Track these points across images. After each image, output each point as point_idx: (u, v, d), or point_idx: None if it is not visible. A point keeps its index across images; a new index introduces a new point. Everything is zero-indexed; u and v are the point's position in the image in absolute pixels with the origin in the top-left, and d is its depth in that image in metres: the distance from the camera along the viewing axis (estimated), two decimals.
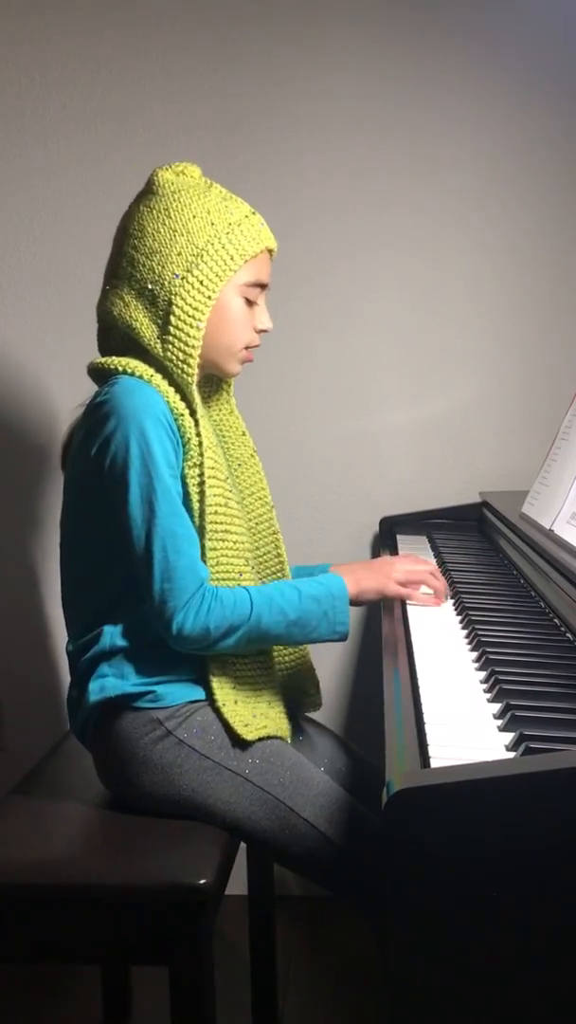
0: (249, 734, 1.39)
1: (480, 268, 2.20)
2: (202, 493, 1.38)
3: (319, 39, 2.14)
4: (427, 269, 2.20)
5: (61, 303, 2.19)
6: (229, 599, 1.34)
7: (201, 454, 1.39)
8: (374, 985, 1.95)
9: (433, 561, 1.74)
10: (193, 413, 1.40)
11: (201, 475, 1.39)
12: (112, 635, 1.40)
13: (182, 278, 1.38)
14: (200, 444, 1.39)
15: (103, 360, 1.41)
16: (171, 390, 1.39)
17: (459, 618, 1.47)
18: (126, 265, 1.42)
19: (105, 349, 1.47)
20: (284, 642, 1.44)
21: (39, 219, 2.17)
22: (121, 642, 1.40)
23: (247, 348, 1.47)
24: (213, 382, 1.56)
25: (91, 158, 2.16)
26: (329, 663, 2.24)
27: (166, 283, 1.38)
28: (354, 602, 1.45)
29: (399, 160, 2.17)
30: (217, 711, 1.40)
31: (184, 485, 1.38)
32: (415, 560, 1.58)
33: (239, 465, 1.56)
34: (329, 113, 2.16)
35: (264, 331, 1.48)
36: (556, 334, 2.20)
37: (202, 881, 1.27)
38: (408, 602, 1.52)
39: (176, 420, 1.38)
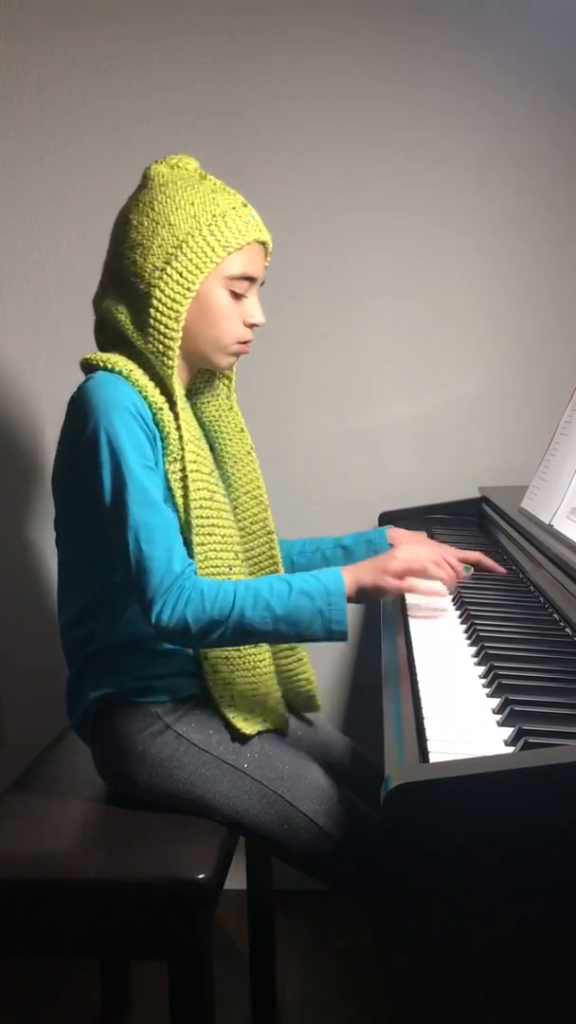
0: (248, 728, 1.40)
1: (479, 263, 2.19)
2: (185, 488, 1.38)
3: (320, 34, 2.13)
4: (426, 264, 2.19)
5: (59, 295, 2.18)
6: (211, 592, 1.30)
7: (182, 448, 1.38)
8: (372, 979, 1.95)
9: (482, 555, 1.65)
10: (173, 407, 1.39)
11: (183, 469, 1.38)
12: (108, 629, 1.41)
13: (161, 270, 1.37)
14: (180, 439, 1.38)
15: (89, 356, 1.41)
16: (151, 384, 1.38)
17: (458, 613, 1.47)
18: (114, 260, 1.43)
19: (99, 342, 1.48)
20: (276, 639, 1.36)
21: (35, 211, 2.17)
22: (118, 636, 1.40)
23: (239, 343, 1.45)
24: (207, 376, 1.55)
25: (88, 150, 2.15)
26: (328, 659, 2.24)
27: (146, 275, 1.38)
28: (354, 599, 1.36)
29: (398, 156, 2.16)
30: (216, 706, 1.40)
31: (165, 480, 1.38)
32: (419, 547, 1.49)
33: (235, 462, 1.55)
34: (328, 108, 2.15)
35: (254, 325, 1.45)
36: (555, 329, 2.20)
37: (201, 876, 1.27)
38: (408, 597, 1.48)
39: (155, 415, 1.38)
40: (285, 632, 1.32)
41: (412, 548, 1.45)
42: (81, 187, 2.16)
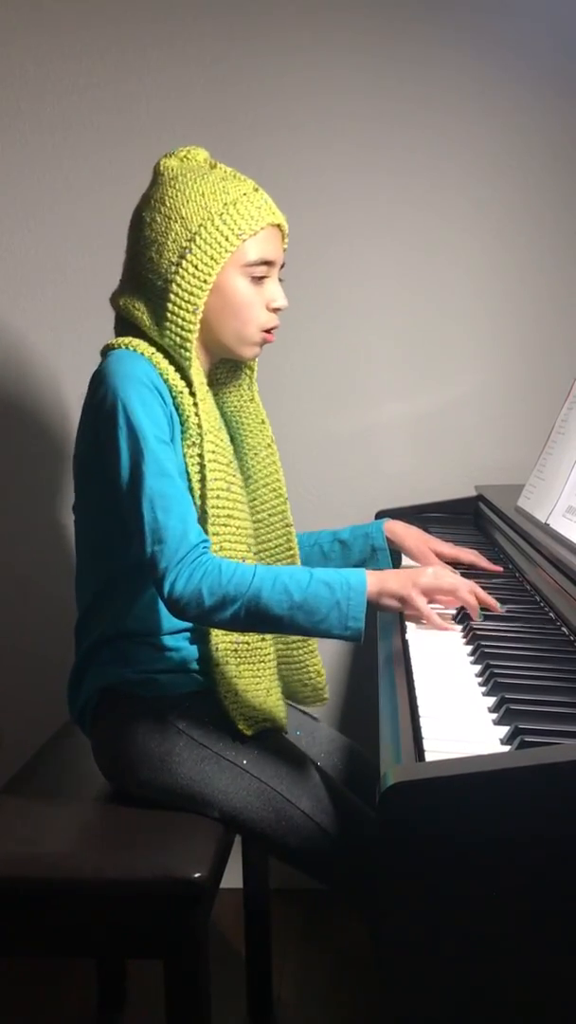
0: (248, 729, 1.40)
1: (477, 260, 2.20)
2: (203, 477, 1.38)
3: (319, 32, 2.13)
4: (424, 261, 2.19)
5: (56, 295, 2.18)
6: (229, 568, 1.28)
7: (200, 435, 1.38)
8: (369, 977, 1.96)
9: (478, 556, 1.66)
10: (193, 394, 1.39)
11: (200, 456, 1.38)
12: (113, 621, 1.41)
13: (177, 264, 1.37)
14: (200, 426, 1.38)
15: (111, 340, 1.42)
16: (171, 368, 1.39)
17: (454, 611, 1.47)
18: (131, 258, 1.43)
19: (118, 335, 1.48)
20: (291, 629, 1.30)
21: (35, 212, 2.17)
22: (122, 628, 1.41)
23: (263, 331, 1.44)
24: (230, 367, 1.55)
25: (88, 151, 2.15)
26: (326, 657, 2.23)
27: (163, 271, 1.38)
28: (374, 602, 1.32)
29: (397, 153, 2.16)
30: (218, 701, 1.39)
31: (183, 464, 1.38)
32: (449, 570, 1.44)
33: (255, 454, 1.55)
34: (328, 105, 2.15)
35: (279, 309, 1.44)
36: (553, 327, 2.20)
37: (197, 875, 1.27)
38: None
39: (175, 398, 1.38)
40: (300, 621, 1.28)
41: (442, 570, 1.41)
42: (88, 186, 2.16)
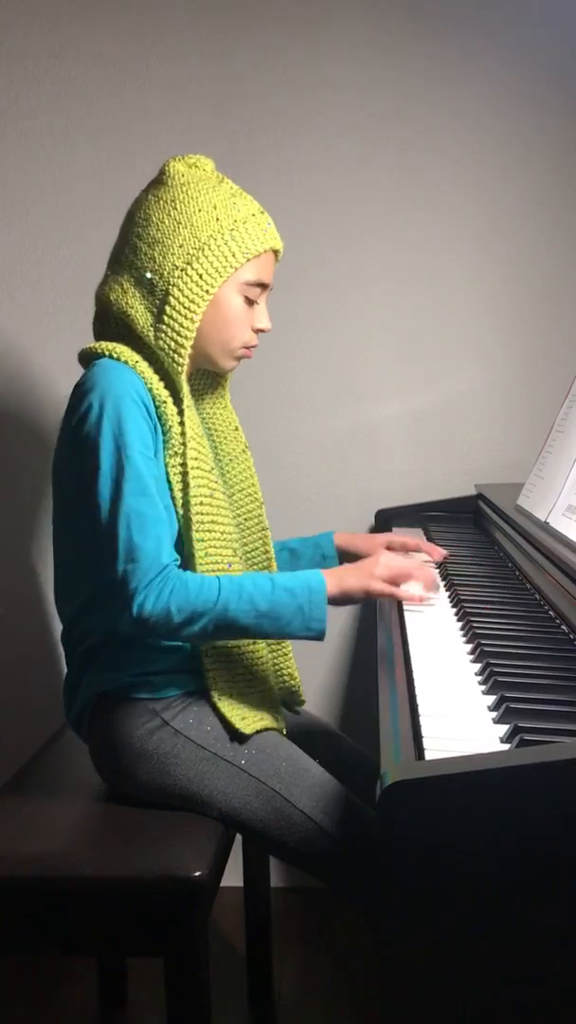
0: (246, 728, 1.40)
1: (476, 259, 2.20)
2: (185, 484, 1.38)
3: (319, 28, 2.13)
4: (423, 259, 2.19)
5: (53, 291, 2.18)
6: (195, 583, 1.30)
7: (183, 444, 1.38)
8: (369, 975, 1.96)
9: (421, 539, 1.76)
10: (179, 403, 1.39)
11: (183, 465, 1.38)
12: (107, 624, 1.41)
13: (181, 270, 1.38)
14: (183, 434, 1.39)
15: (91, 345, 1.42)
16: (155, 377, 1.39)
17: (454, 610, 1.47)
18: (128, 253, 1.42)
19: (99, 335, 1.47)
20: (256, 635, 1.36)
21: (32, 206, 2.17)
22: (116, 632, 1.40)
23: (245, 347, 1.47)
24: (208, 375, 1.56)
25: (85, 144, 2.15)
26: (325, 656, 2.24)
27: (165, 273, 1.38)
28: (338, 601, 1.37)
29: (397, 151, 2.16)
30: (213, 704, 1.40)
31: (165, 473, 1.38)
32: (399, 555, 1.51)
33: (230, 460, 1.56)
34: (328, 102, 2.15)
35: (262, 331, 1.48)
36: (552, 327, 2.20)
37: (197, 873, 1.27)
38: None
39: (158, 408, 1.38)
40: (266, 628, 1.33)
41: (390, 556, 1.46)
42: (78, 182, 2.16)
